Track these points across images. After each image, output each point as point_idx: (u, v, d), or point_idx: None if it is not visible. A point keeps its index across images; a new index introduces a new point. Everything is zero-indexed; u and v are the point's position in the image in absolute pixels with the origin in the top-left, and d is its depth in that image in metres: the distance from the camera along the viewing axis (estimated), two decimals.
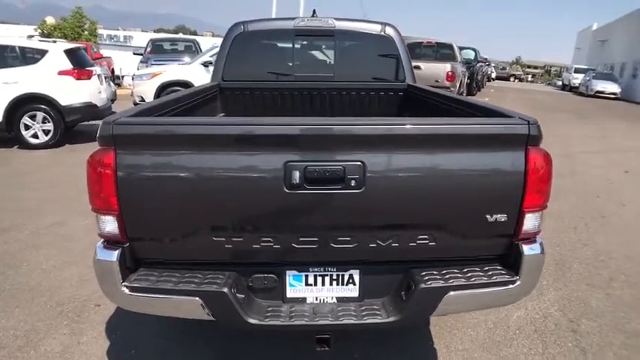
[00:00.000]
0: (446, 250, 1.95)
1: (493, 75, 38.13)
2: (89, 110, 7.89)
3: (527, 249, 1.95)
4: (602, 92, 25.52)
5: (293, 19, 3.90)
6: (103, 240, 1.90)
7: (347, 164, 1.73)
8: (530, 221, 1.93)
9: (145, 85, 10.78)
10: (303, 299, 1.99)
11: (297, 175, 1.71)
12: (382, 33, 3.96)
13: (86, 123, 8.20)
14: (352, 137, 1.76)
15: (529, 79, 69.99)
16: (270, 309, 1.93)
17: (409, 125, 1.80)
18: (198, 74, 10.99)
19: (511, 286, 1.94)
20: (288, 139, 1.74)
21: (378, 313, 1.92)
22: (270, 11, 21.43)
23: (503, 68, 69.11)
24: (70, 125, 8.00)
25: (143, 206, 1.78)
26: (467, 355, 2.70)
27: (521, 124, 1.83)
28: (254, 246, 1.84)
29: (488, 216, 1.88)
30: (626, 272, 3.84)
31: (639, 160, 9.08)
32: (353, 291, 2.00)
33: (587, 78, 27.99)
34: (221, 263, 1.92)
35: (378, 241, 1.87)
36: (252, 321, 1.84)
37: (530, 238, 1.98)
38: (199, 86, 3.49)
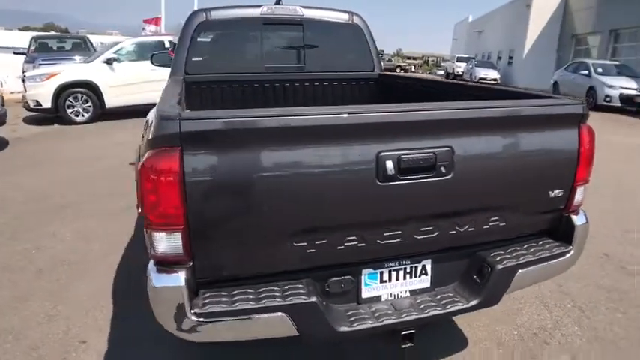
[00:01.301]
0: (511, 229, 1.96)
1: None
2: None
3: (577, 219, 2.05)
4: (484, 78, 28.11)
5: (259, 6, 3.67)
6: (154, 262, 1.59)
7: (438, 150, 1.65)
8: (578, 194, 2.02)
9: (40, 87, 9.51)
10: (378, 297, 1.87)
11: (390, 165, 1.59)
12: (350, 21, 3.89)
13: None
14: (443, 122, 1.67)
15: (412, 69, 75.14)
16: (349, 313, 1.78)
17: (493, 107, 1.77)
18: (102, 73, 10.00)
19: (567, 255, 2.03)
20: (380, 128, 1.60)
21: (456, 299, 1.88)
22: (158, 8, 20.11)
23: (390, 60, 73.40)
24: None
25: (214, 216, 1.51)
26: (490, 329, 2.78)
27: (577, 104, 1.91)
28: (338, 247, 1.68)
29: (550, 192, 1.94)
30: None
31: None
32: (425, 282, 1.93)
33: (470, 66, 30.66)
34: (292, 271, 1.73)
35: (457, 228, 1.82)
36: (342, 329, 1.68)
37: (577, 210, 2.09)
38: (169, 81, 3.12)
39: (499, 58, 34.49)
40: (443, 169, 1.67)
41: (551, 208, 2.02)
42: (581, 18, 24.18)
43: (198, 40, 3.50)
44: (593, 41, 23.19)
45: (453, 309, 1.84)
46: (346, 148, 1.58)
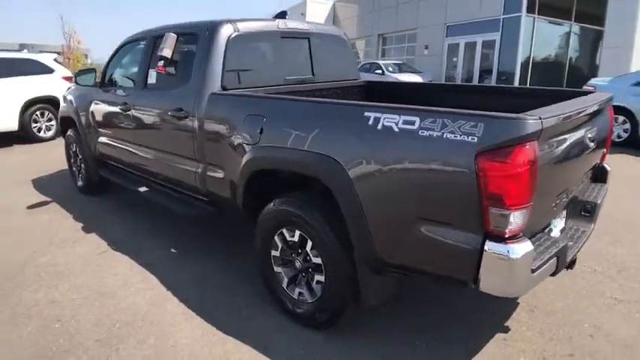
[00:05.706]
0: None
1: None
2: None
3: (607, 167, 3.23)
4: None
5: (273, 20, 3.84)
6: (498, 239, 1.95)
7: (595, 129, 2.57)
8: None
9: None
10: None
11: (589, 141, 2.43)
12: (339, 35, 4.40)
13: None
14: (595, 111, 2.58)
15: None
16: None
17: (598, 101, 2.70)
18: None
19: (606, 189, 3.17)
20: (591, 116, 2.42)
21: (583, 229, 2.81)
22: None
23: None
24: None
25: (539, 189, 2.01)
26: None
27: (610, 94, 3.06)
28: (558, 203, 2.40)
29: (603, 150, 3.06)
30: None
31: None
32: (563, 222, 2.78)
33: None
34: None
35: (584, 180, 2.77)
36: (566, 260, 2.41)
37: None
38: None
39: None
40: (595, 142, 2.58)
41: (599, 161, 3.15)
42: (348, 25, 28.48)
43: (232, 53, 3.46)
44: (361, 44, 27.73)
45: (588, 234, 2.76)
46: (579, 130, 2.36)
